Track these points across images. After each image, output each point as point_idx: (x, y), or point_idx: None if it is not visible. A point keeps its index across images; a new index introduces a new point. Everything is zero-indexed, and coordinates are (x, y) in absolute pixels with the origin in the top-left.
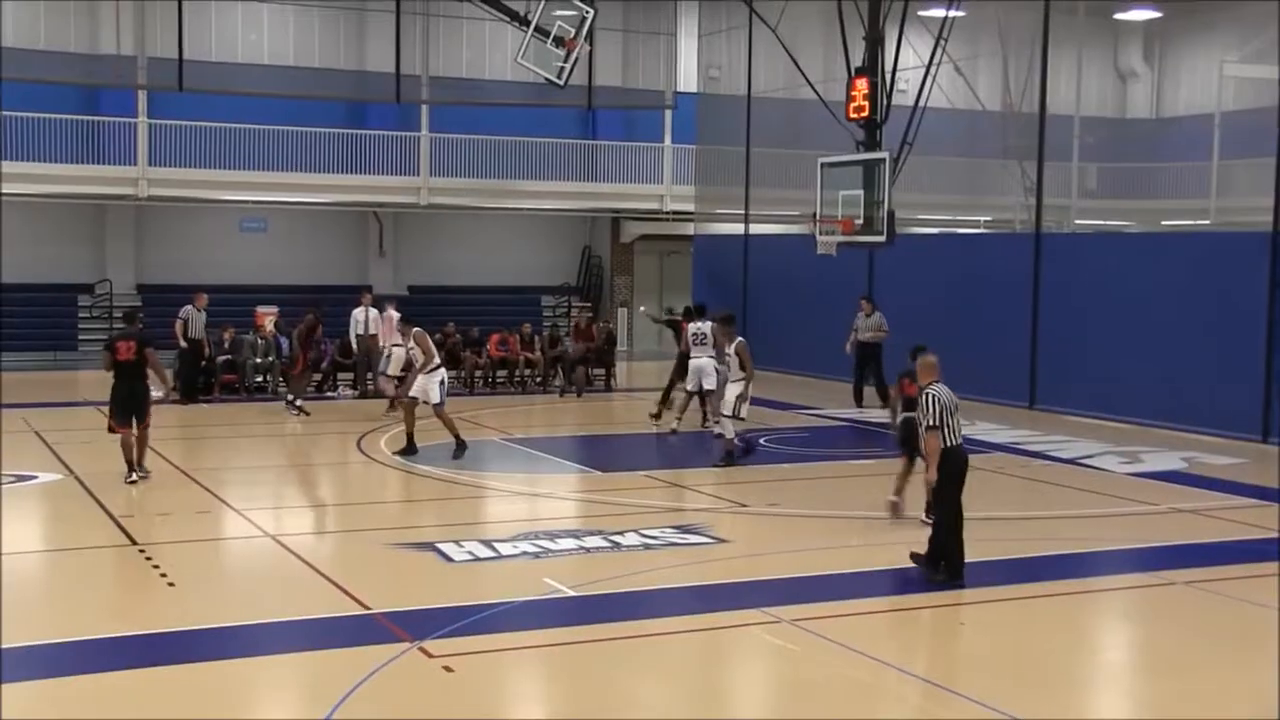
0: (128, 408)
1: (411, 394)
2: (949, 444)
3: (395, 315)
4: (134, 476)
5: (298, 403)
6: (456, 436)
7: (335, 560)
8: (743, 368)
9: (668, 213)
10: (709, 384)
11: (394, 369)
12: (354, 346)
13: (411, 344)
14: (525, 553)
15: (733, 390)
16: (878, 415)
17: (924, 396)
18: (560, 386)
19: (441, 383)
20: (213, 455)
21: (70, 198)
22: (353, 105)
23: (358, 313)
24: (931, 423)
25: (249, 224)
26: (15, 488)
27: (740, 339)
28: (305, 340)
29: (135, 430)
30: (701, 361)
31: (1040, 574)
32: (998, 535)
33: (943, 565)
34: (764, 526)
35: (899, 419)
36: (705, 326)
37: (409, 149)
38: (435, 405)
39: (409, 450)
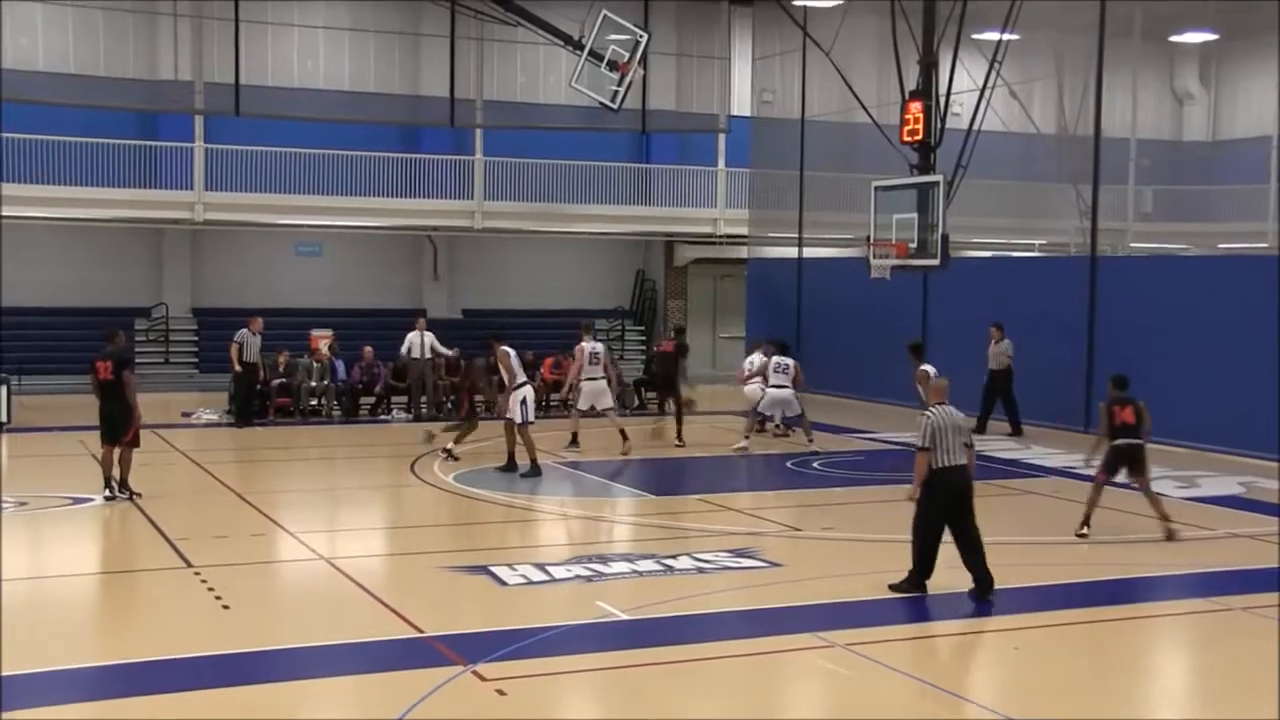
0: (105, 426)
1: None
2: (940, 465)
3: (590, 347)
4: (111, 494)
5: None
6: (532, 460)
7: (389, 583)
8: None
9: (721, 236)
10: (791, 412)
11: (583, 402)
12: (407, 369)
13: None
14: (578, 576)
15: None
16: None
17: (921, 419)
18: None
19: (524, 401)
20: (267, 478)
21: (128, 222)
22: (407, 129)
23: (412, 336)
24: (922, 444)
25: (303, 248)
26: (72, 510)
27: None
28: (473, 383)
29: (115, 449)
30: (784, 393)
31: (1096, 599)
32: (1053, 560)
33: (912, 575)
34: (818, 550)
35: (1107, 445)
36: (787, 360)
37: (463, 172)
38: (518, 424)
39: (509, 468)
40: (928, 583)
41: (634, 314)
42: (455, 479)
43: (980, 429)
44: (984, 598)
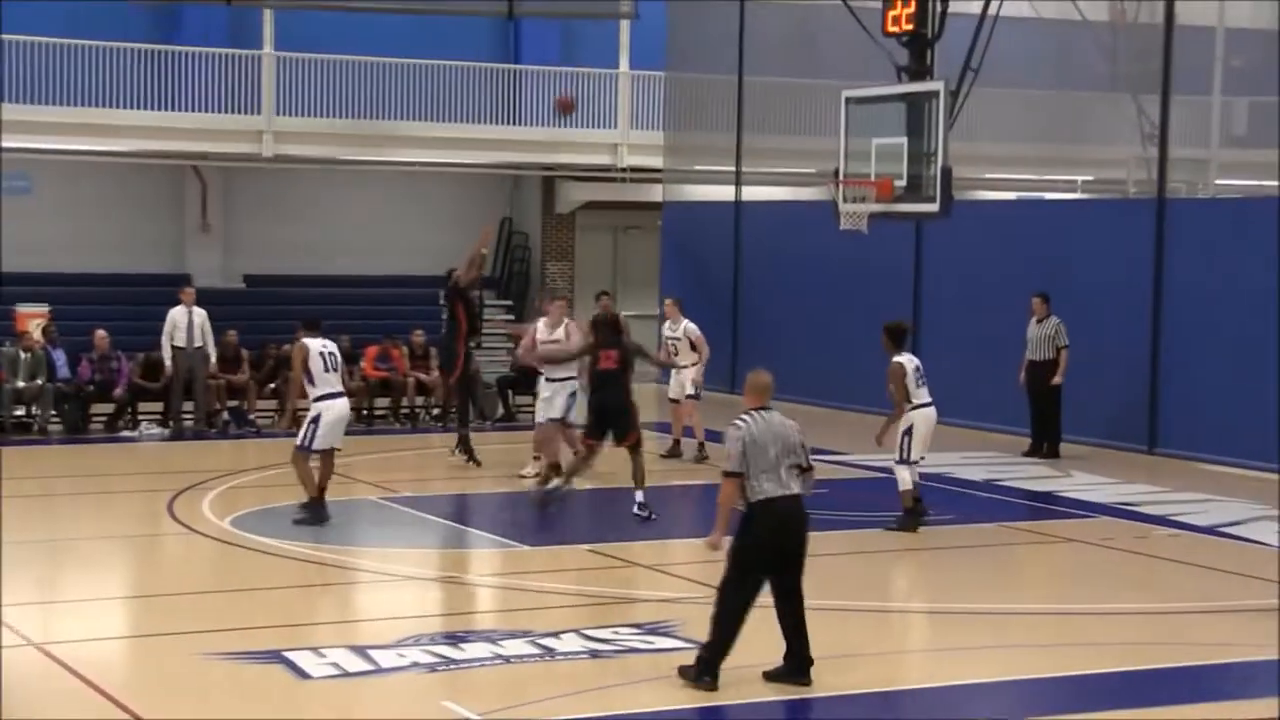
0: None
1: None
2: (758, 495)
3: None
4: None
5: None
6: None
7: (133, 681)
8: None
9: (624, 170)
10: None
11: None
12: (167, 364)
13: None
14: (416, 664)
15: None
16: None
17: (729, 431)
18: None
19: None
20: None
21: None
22: (162, 9)
23: (176, 314)
24: (729, 467)
25: (4, 183)
26: None
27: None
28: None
29: None
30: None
31: (1161, 694)
32: (1102, 637)
33: (708, 665)
34: (757, 624)
35: None
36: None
37: (244, 74)
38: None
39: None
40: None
41: (498, 283)
42: (233, 524)
43: (1036, 449)
44: (798, 680)
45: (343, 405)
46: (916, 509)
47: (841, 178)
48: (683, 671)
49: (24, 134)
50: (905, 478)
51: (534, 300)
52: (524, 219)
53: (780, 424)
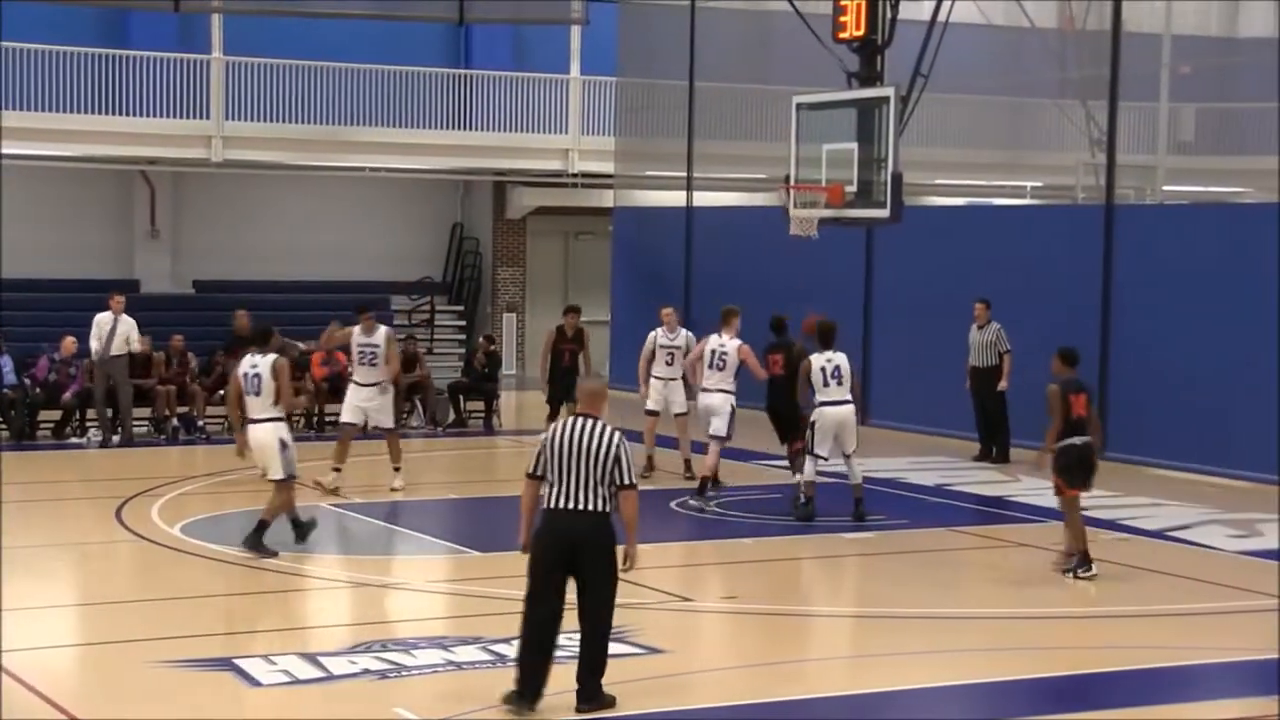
0: None
1: None
2: (552, 504)
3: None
4: None
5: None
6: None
7: (81, 688)
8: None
9: (575, 175)
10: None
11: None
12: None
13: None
14: (367, 670)
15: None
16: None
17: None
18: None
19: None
20: None
21: None
22: (109, 14)
23: (101, 320)
24: (530, 468)
25: None
26: None
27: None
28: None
29: None
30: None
31: (1113, 697)
32: (1054, 641)
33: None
34: (717, 630)
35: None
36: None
37: (193, 79)
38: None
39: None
40: None
41: (449, 288)
42: (183, 530)
43: (986, 454)
44: (587, 709)
45: (258, 432)
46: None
47: (792, 183)
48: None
49: None
50: (807, 469)
51: (485, 305)
52: (475, 224)
53: (587, 431)
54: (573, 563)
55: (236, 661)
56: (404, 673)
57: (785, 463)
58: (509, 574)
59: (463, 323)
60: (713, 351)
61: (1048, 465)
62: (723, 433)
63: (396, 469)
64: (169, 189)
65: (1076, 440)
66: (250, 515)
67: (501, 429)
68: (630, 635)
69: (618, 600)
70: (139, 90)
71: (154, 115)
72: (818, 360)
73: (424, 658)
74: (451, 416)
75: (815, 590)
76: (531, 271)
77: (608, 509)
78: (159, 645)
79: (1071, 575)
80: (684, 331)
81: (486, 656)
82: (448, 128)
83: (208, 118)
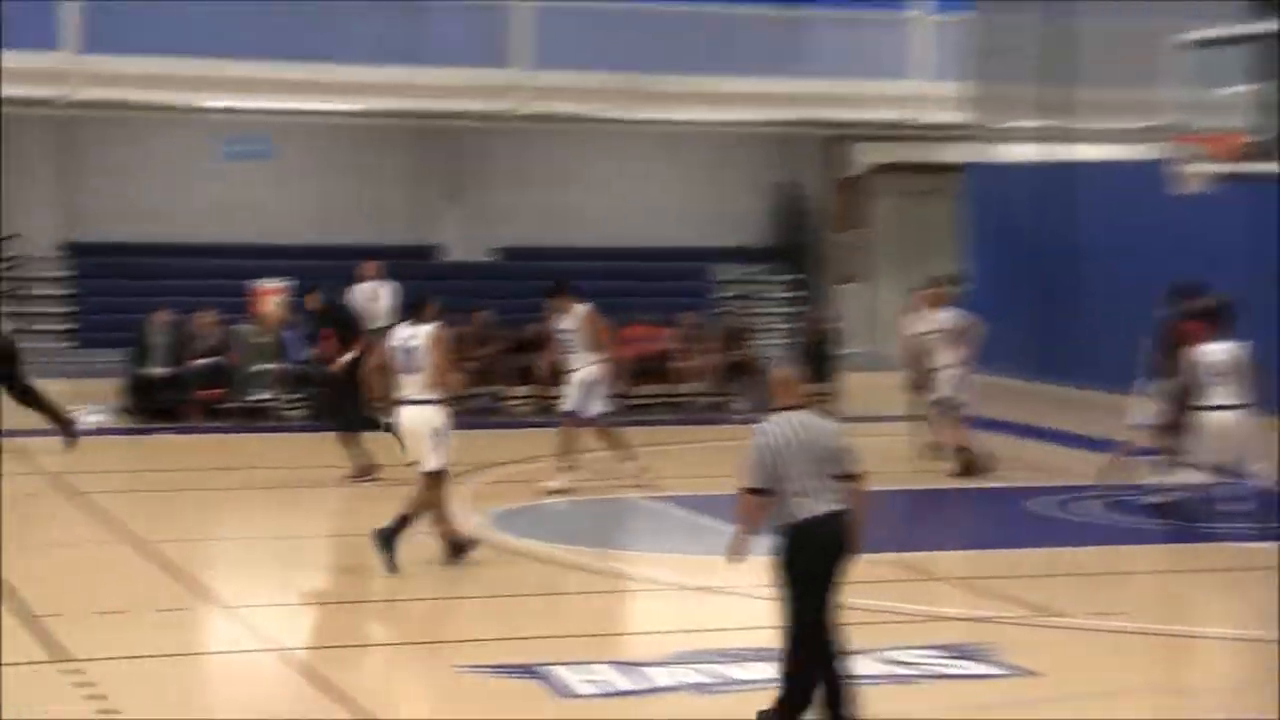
0: None
1: None
2: (796, 516)
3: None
4: None
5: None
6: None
7: (379, 693)
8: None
9: (922, 127)
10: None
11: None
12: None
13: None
14: (690, 684)
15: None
16: None
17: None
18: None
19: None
20: (184, 519)
21: None
22: None
23: (364, 290)
24: (746, 482)
25: (239, 147)
26: None
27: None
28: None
29: None
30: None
31: None
32: None
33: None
34: (1093, 650)
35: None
36: None
37: (494, 25)
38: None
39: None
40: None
41: (778, 254)
42: (490, 522)
43: None
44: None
45: (413, 415)
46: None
47: (1182, 135)
48: (763, 716)
49: (259, 93)
50: (1185, 473)
51: (817, 274)
52: (807, 183)
53: (812, 426)
54: (830, 564)
55: (544, 668)
56: (732, 687)
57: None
58: (852, 579)
59: (791, 294)
60: None
61: None
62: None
63: (623, 463)
64: (472, 146)
65: None
66: (564, 506)
67: (843, 415)
68: (987, 653)
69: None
70: (436, 38)
71: (452, 64)
72: (1206, 355)
73: (754, 671)
74: None
75: (1204, 606)
76: (873, 236)
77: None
78: (459, 649)
79: None
80: (946, 313)
81: None
82: (776, 74)
83: (513, 66)
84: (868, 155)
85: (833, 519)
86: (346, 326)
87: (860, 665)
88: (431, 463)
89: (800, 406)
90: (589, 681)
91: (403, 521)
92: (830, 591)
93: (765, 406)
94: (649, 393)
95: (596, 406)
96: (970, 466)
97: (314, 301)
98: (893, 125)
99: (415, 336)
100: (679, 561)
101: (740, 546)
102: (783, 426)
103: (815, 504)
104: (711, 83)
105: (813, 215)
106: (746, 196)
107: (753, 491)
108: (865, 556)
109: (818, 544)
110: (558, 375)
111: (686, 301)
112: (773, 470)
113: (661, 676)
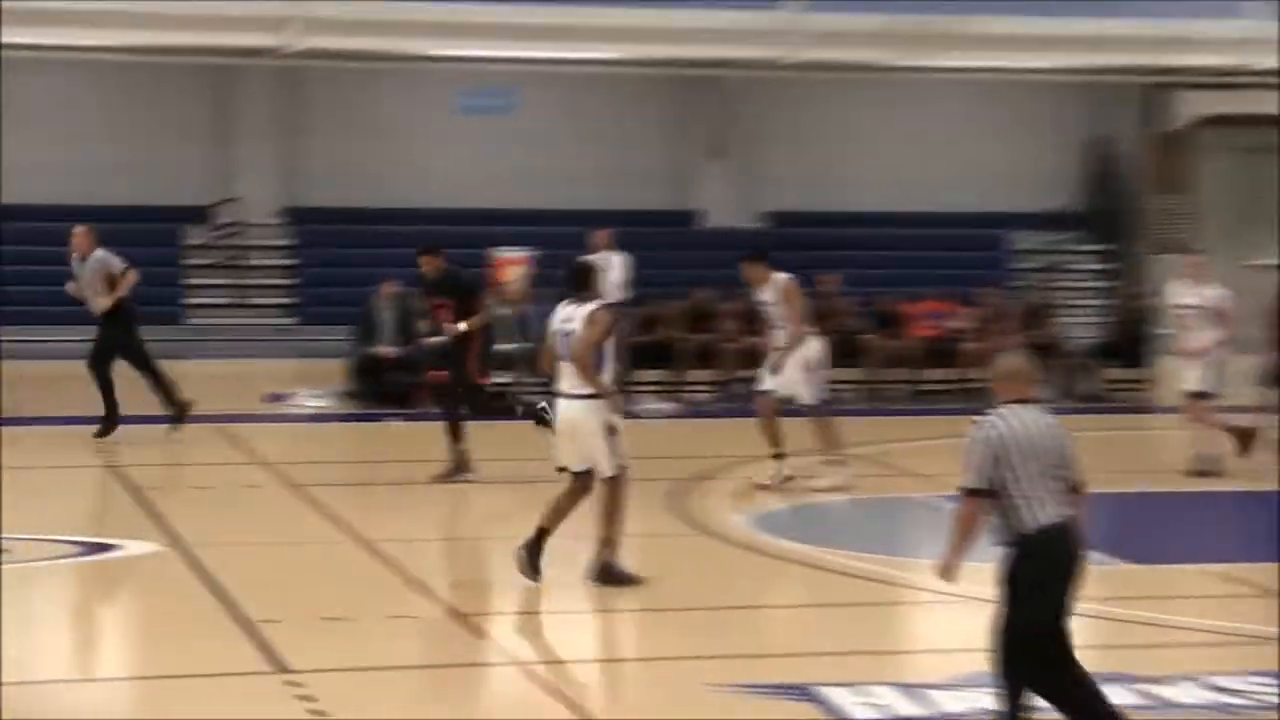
0: None
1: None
2: (1026, 527)
3: None
4: None
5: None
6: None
7: (629, 711)
8: None
9: (1255, 74)
10: None
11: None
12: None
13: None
14: (980, 709)
15: None
16: None
17: (972, 430)
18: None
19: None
20: (416, 515)
21: (147, 52)
22: None
23: (599, 261)
24: (968, 482)
25: (476, 100)
26: (84, 563)
27: None
28: None
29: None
30: None
31: None
32: None
33: None
34: None
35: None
36: None
37: None
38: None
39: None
40: None
41: (1087, 221)
42: (754, 524)
43: None
44: None
45: (574, 412)
46: None
47: None
48: None
49: (500, 41)
50: None
51: (1133, 246)
52: (1120, 138)
53: (1037, 420)
54: (1068, 576)
55: (817, 689)
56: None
57: None
58: (1169, 593)
59: (1101, 266)
60: None
61: None
62: None
63: (828, 461)
64: (737, 98)
65: None
66: (840, 507)
67: (1159, 405)
68: None
69: None
70: None
71: (712, 6)
72: None
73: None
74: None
75: None
76: (1205, 200)
77: None
78: (718, 665)
79: None
80: (1212, 289)
81: (1138, 700)
82: (1079, 15)
83: (785, 9)
84: (1193, 106)
85: (1063, 529)
86: (467, 296)
87: (1179, 693)
88: (606, 467)
89: (1031, 401)
90: (867, 704)
91: (608, 546)
92: (1063, 610)
93: (1075, 393)
94: (937, 378)
95: (813, 393)
96: (1246, 440)
97: (430, 265)
98: (1223, 72)
99: (572, 319)
100: (963, 569)
101: (956, 558)
102: (1010, 421)
103: (1043, 512)
104: (1012, 24)
105: (1127, 176)
106: (1052, 155)
107: (973, 493)
108: (1176, 567)
109: (1050, 557)
110: (756, 354)
111: (979, 275)
112: (996, 470)
113: (948, 701)
